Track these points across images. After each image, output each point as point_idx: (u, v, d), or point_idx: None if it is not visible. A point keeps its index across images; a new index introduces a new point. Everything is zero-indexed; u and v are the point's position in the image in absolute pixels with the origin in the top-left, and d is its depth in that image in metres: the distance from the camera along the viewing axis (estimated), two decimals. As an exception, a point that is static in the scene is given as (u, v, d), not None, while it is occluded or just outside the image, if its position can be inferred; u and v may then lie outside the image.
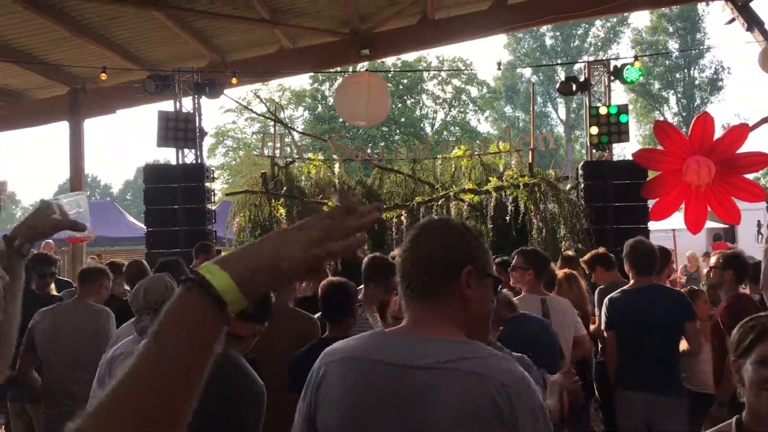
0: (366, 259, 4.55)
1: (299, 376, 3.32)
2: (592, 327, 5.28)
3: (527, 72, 40.23)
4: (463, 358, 1.50)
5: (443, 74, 34.85)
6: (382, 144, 27.18)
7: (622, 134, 9.96)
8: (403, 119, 33.24)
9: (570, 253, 7.27)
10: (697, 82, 37.59)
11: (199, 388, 0.86)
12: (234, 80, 10.56)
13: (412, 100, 34.86)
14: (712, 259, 4.91)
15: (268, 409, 2.69)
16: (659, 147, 9.66)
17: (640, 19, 44.53)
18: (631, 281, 4.60)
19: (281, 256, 0.92)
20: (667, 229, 13.54)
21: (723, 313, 4.45)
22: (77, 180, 12.00)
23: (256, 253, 0.92)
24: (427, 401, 1.48)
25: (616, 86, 10.66)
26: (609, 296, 4.65)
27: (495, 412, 1.44)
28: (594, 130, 9.93)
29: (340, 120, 28.95)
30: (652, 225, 10.13)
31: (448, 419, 1.45)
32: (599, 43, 39.34)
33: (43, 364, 4.43)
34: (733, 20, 10.77)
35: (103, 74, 9.96)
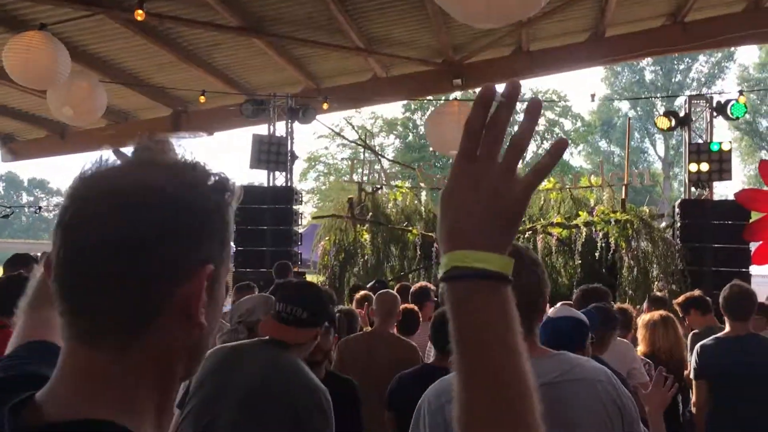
0: None
1: (399, 396, 3.39)
2: (685, 373, 4.99)
3: (625, 107, 39.21)
4: (569, 369, 1.77)
5: (537, 106, 34.47)
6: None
7: (723, 172, 9.49)
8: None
9: (659, 293, 6.95)
10: (808, 121, 35.58)
11: None
12: (325, 105, 10.77)
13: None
14: None
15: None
16: (764, 188, 9.15)
17: (748, 55, 42.74)
18: (727, 328, 4.31)
19: (504, 204, 0.82)
20: (772, 275, 12.76)
21: None
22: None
23: (485, 215, 0.81)
24: (566, 414, 1.69)
25: (719, 123, 10.22)
26: (701, 343, 4.37)
27: (613, 404, 1.76)
28: (693, 167, 9.51)
29: (431, 149, 29.06)
30: (754, 270, 9.56)
31: (587, 424, 1.72)
32: (702, 79, 37.92)
33: None
34: None
35: (202, 97, 10.37)
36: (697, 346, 4.37)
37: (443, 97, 13.83)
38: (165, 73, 10.74)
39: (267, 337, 2.59)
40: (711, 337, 4.37)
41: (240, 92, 11.15)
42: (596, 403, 1.75)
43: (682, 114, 10.04)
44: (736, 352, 4.13)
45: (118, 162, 0.80)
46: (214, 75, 10.75)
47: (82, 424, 0.70)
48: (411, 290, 6.16)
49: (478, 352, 0.79)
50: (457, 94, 11.36)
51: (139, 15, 7.37)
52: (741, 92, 9.89)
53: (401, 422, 3.39)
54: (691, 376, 4.38)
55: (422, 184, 11.20)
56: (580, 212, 9.77)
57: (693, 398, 4.34)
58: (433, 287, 6.43)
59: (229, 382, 2.42)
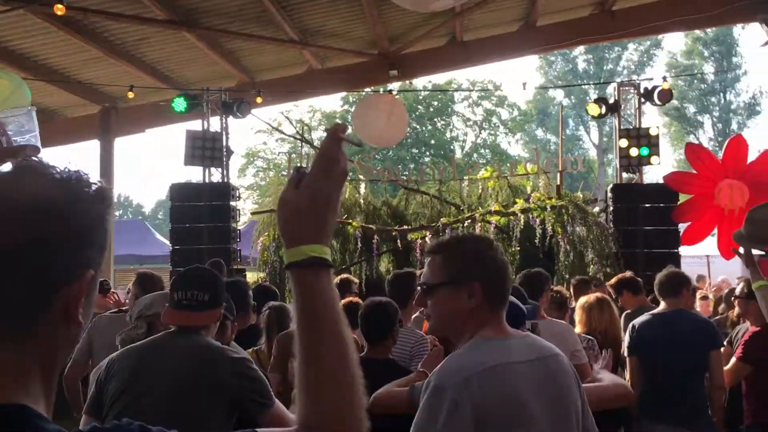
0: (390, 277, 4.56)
1: None
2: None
3: (559, 95, 40.04)
4: (545, 347, 1.96)
5: (474, 96, 34.82)
6: (412, 166, 27.18)
7: (652, 156, 9.77)
8: (433, 141, 33.24)
9: (586, 277, 7.13)
10: (733, 106, 37.01)
11: None
12: (259, 99, 10.62)
13: (443, 122, 34.86)
14: (737, 288, 4.77)
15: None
16: (692, 171, 9.47)
17: (675, 43, 44.17)
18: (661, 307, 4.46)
19: (329, 204, 1.09)
20: (701, 255, 13.24)
21: (744, 343, 4.28)
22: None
23: (318, 216, 1.08)
24: (564, 382, 1.90)
25: (649, 109, 10.51)
26: (633, 321, 4.50)
27: (575, 376, 1.97)
28: (624, 142, 9.75)
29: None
30: (685, 250, 9.89)
31: (574, 394, 1.92)
32: (632, 67, 38.99)
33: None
34: (768, 42, 10.56)
35: (131, 92, 10.09)
36: (630, 324, 4.50)
37: (381, 89, 13.84)
38: (92, 69, 10.43)
39: (173, 328, 2.62)
40: (642, 315, 4.50)
41: (172, 87, 10.90)
42: (571, 375, 1.94)
43: (611, 101, 10.28)
44: (665, 326, 4.28)
45: (8, 172, 0.88)
46: (144, 70, 10.48)
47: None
48: (389, 281, 6.07)
49: (331, 319, 1.05)
50: (395, 84, 11.36)
51: (59, 9, 7.11)
52: (665, 78, 10.19)
53: None
54: (625, 353, 4.50)
55: (361, 177, 11.17)
56: (517, 200, 9.91)
57: (627, 376, 4.47)
58: (355, 279, 6.40)
59: (157, 376, 2.44)
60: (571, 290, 6.19)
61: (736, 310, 4.89)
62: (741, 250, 3.85)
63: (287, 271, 1.07)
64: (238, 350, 2.97)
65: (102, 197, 0.89)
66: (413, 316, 4.70)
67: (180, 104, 10.15)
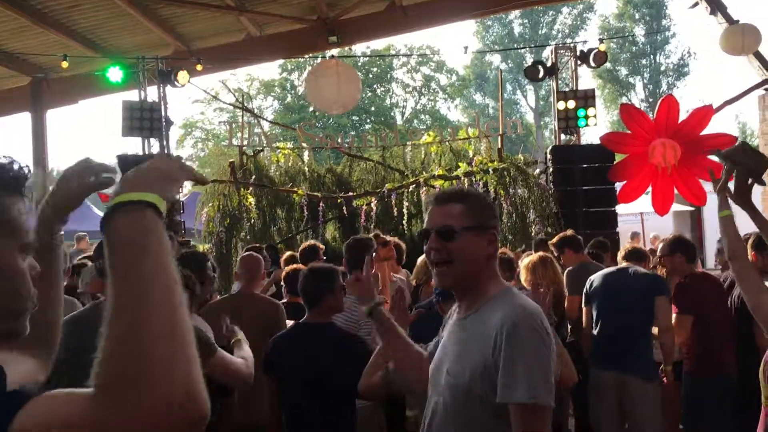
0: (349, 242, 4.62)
1: (277, 359, 3.39)
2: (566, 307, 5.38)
3: (496, 60, 40.34)
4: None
5: (412, 62, 34.80)
6: (353, 133, 27.09)
7: (588, 118, 10.03)
8: (373, 108, 33.16)
9: (543, 236, 7.35)
10: (663, 67, 38.02)
11: None
12: (199, 67, 10.41)
13: (382, 89, 34.80)
14: (659, 249, 5.07)
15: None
16: (626, 131, 9.76)
17: (607, 6, 44.85)
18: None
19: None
20: (636, 212, 13.69)
21: (674, 297, 4.58)
22: (39, 172, 11.76)
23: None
24: None
25: (583, 72, 10.74)
26: (591, 276, 4.89)
27: None
28: (561, 105, 9.98)
29: (310, 109, 28.77)
30: (621, 208, 10.23)
31: None
32: (567, 30, 39.55)
33: None
34: (696, 4, 10.90)
35: (64, 62, 9.74)
36: (588, 279, 4.92)
37: (320, 56, 13.70)
38: (21, 39, 10.00)
39: (101, 297, 2.63)
40: (598, 272, 4.95)
41: (105, 57, 10.56)
42: None
43: (549, 64, 10.48)
44: (615, 279, 4.72)
45: None
46: (76, 39, 10.11)
47: None
48: (299, 250, 6.17)
49: (158, 257, 0.91)
50: (334, 51, 11.25)
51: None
52: (601, 40, 10.43)
53: (281, 385, 3.40)
54: (583, 305, 4.89)
55: (304, 144, 11.11)
56: (460, 163, 10.05)
57: (584, 322, 4.85)
58: (321, 246, 6.46)
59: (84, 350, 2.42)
60: (533, 250, 6.45)
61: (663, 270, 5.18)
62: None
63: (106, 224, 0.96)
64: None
65: None
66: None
67: (116, 74, 9.86)
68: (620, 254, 5.11)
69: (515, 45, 37.33)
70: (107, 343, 0.84)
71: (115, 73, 9.91)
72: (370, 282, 2.44)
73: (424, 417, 2.13)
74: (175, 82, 10.09)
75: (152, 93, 10.38)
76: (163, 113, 10.29)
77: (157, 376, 0.81)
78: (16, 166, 1.04)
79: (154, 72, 10.18)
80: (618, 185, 9.85)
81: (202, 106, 31.51)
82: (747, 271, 2.70)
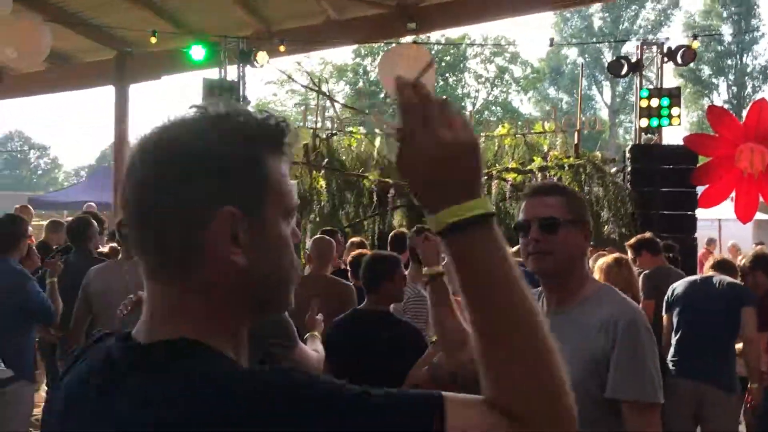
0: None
1: (334, 342, 3.39)
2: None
3: (572, 54, 39.48)
4: None
5: (486, 53, 34.39)
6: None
7: (672, 117, 9.67)
8: (444, 97, 32.93)
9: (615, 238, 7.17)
10: (749, 69, 36.48)
11: None
12: (282, 48, 10.48)
13: (454, 79, 34.53)
14: (741, 263, 4.93)
15: None
16: (710, 132, 9.39)
17: (693, 2, 43.27)
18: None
19: (454, 141, 0.88)
20: (713, 218, 13.19)
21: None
22: (120, 146, 12.12)
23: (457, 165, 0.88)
24: None
25: (668, 68, 10.34)
26: (673, 284, 4.74)
27: None
28: (644, 111, 9.65)
29: (381, 96, 28.79)
30: (700, 213, 9.85)
31: None
32: (649, 26, 38.35)
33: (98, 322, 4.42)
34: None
35: (153, 38, 9.94)
36: (671, 287, 4.77)
37: (395, 42, 13.65)
38: (109, 13, 10.27)
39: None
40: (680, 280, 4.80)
41: (189, 34, 10.77)
42: None
43: (633, 60, 10.14)
44: (699, 286, 4.58)
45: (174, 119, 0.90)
46: (162, 16, 10.34)
47: (161, 344, 0.84)
48: (389, 238, 6.12)
49: (502, 287, 0.85)
50: (409, 38, 11.18)
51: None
52: (695, 36, 10.02)
53: (333, 369, 3.32)
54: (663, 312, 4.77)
55: (377, 130, 11.10)
56: (535, 157, 9.86)
57: (664, 329, 4.74)
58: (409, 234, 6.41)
59: None
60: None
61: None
62: None
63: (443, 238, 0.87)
64: None
65: (252, 137, 0.89)
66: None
67: (198, 52, 10.05)
68: (708, 264, 4.94)
69: (594, 39, 36.43)
70: (505, 366, 0.83)
71: (197, 51, 10.10)
72: (438, 245, 2.38)
73: None
74: (255, 62, 10.21)
75: (231, 72, 10.54)
76: (241, 92, 10.43)
77: (565, 412, 0.85)
78: (273, 122, 0.92)
79: (235, 51, 10.32)
80: (700, 189, 9.49)
81: (274, 88, 31.98)
82: None
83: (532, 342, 0.84)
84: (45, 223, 9.23)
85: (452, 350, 2.31)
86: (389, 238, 6.00)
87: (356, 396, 0.78)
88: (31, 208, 10.91)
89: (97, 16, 10.40)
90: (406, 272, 4.44)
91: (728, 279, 4.62)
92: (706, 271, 4.93)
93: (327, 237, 5.01)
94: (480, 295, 0.85)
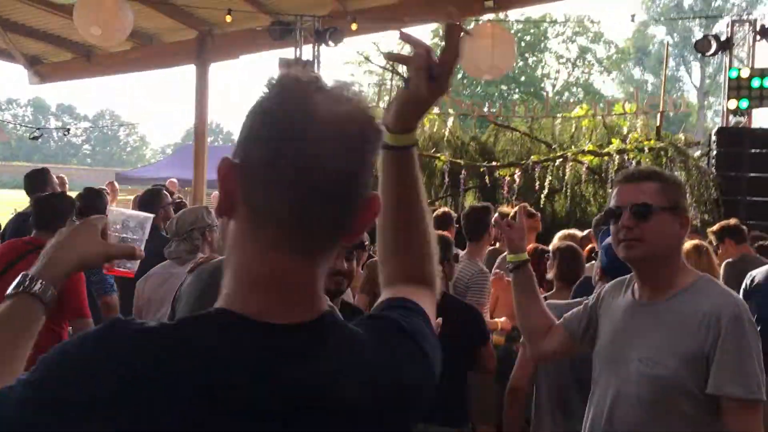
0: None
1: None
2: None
3: (660, 34, 37.94)
4: None
5: (568, 32, 33.43)
6: (500, 102, 26.57)
7: (764, 99, 9.15)
8: (523, 78, 32.30)
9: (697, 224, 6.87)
10: None
11: None
12: (354, 26, 10.47)
13: (534, 59, 33.76)
14: None
15: None
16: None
17: (794, -22, 40.73)
18: None
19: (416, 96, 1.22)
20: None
21: None
22: (201, 125, 12.45)
23: (426, 110, 1.26)
24: None
25: (759, 49, 9.76)
26: (751, 272, 4.53)
27: None
28: (733, 93, 9.17)
29: (459, 76, 28.47)
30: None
31: None
32: (744, 3, 36.40)
33: None
34: None
35: (228, 16, 10.10)
36: (748, 274, 4.56)
37: (474, 20, 13.43)
38: (189, -7, 10.51)
39: None
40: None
41: (266, 13, 10.90)
42: None
43: (723, 38, 9.64)
44: None
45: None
46: (240, -5, 10.49)
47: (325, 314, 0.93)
48: (433, 216, 6.11)
49: (418, 195, 1.20)
50: (489, 16, 10.97)
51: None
52: (789, 13, 9.42)
53: None
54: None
55: (450, 111, 10.98)
56: (613, 139, 9.54)
57: None
58: (455, 213, 6.36)
59: None
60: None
61: None
62: None
63: (390, 151, 1.15)
64: None
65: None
66: (487, 250, 4.73)
67: (275, 31, 10.18)
68: None
69: (684, 17, 34.90)
70: (421, 242, 1.21)
71: (274, 31, 10.22)
72: (524, 231, 2.37)
73: (594, 405, 2.05)
74: (329, 42, 10.25)
75: (308, 52, 10.62)
76: (316, 71, 10.51)
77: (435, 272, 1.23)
78: None
79: (311, 30, 10.39)
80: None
81: (353, 68, 32.10)
82: None
83: (429, 226, 1.22)
84: (131, 198, 9.66)
85: (537, 338, 2.31)
86: (434, 215, 5.98)
87: None
88: (116, 183, 11.44)
89: (179, -3, 10.65)
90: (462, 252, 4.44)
91: None
92: None
93: None
94: (408, 194, 1.18)
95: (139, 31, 11.25)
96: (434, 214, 6.17)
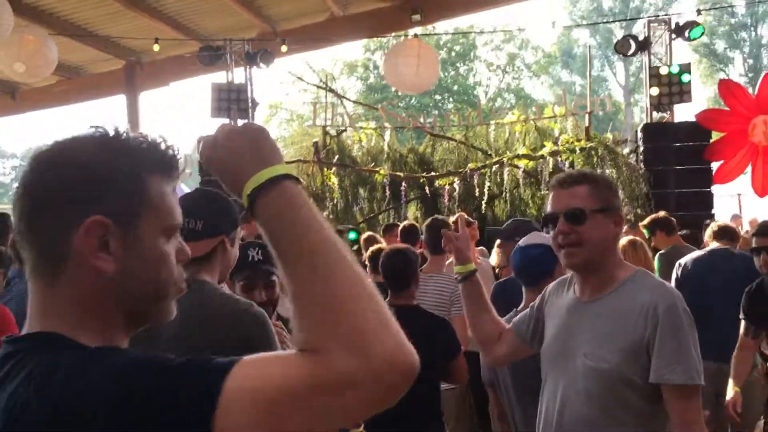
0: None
1: None
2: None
3: (584, 36, 39.07)
4: None
5: (496, 40, 34.14)
6: (435, 112, 26.88)
7: (684, 94, 9.54)
8: (456, 87, 32.78)
9: (631, 218, 7.11)
10: (764, 41, 35.86)
11: None
12: (284, 48, 10.49)
13: (465, 68, 34.31)
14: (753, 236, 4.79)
15: None
16: (724, 107, 9.25)
17: (704, -24, 42.54)
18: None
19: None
20: (733, 193, 13.01)
21: None
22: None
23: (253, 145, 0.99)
24: None
25: (678, 46, 10.18)
26: (680, 260, 4.66)
27: None
28: (654, 90, 9.53)
29: (393, 89, 28.72)
30: (717, 189, 9.73)
31: None
32: (660, 3, 37.81)
33: None
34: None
35: (156, 45, 10.00)
36: (678, 262, 4.71)
37: (403, 34, 13.61)
38: (114, 23, 10.37)
39: None
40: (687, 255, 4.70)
41: (194, 39, 10.83)
42: None
43: (641, 38, 10.01)
44: (710, 262, 4.50)
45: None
46: (166, 22, 10.40)
47: (34, 335, 0.93)
48: (400, 229, 6.15)
49: (318, 233, 0.90)
50: (417, 30, 11.13)
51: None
52: (699, 11, 9.88)
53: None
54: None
55: (387, 124, 11.09)
56: (546, 142, 9.80)
57: None
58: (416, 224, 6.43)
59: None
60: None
61: None
62: None
63: (248, 209, 0.94)
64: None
65: (135, 155, 0.97)
66: (448, 261, 4.78)
67: (204, 57, 10.12)
68: (707, 234, 4.83)
69: (603, 19, 36.05)
70: (307, 309, 0.85)
71: (204, 56, 10.15)
72: (468, 241, 2.42)
73: (545, 400, 2.12)
74: (260, 64, 10.25)
75: (239, 75, 10.59)
76: (249, 94, 10.47)
77: (379, 332, 0.83)
78: (162, 146, 0.99)
79: (241, 54, 10.36)
80: (714, 165, 9.37)
81: (287, 87, 32.01)
82: None
83: (333, 278, 0.86)
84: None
85: (490, 344, 2.36)
86: (400, 230, 6.03)
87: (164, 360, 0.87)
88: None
89: (104, 27, 10.49)
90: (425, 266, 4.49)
91: (734, 251, 4.57)
92: (707, 243, 4.87)
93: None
94: (288, 244, 0.89)
95: (64, 64, 11.02)
96: (401, 227, 6.19)
